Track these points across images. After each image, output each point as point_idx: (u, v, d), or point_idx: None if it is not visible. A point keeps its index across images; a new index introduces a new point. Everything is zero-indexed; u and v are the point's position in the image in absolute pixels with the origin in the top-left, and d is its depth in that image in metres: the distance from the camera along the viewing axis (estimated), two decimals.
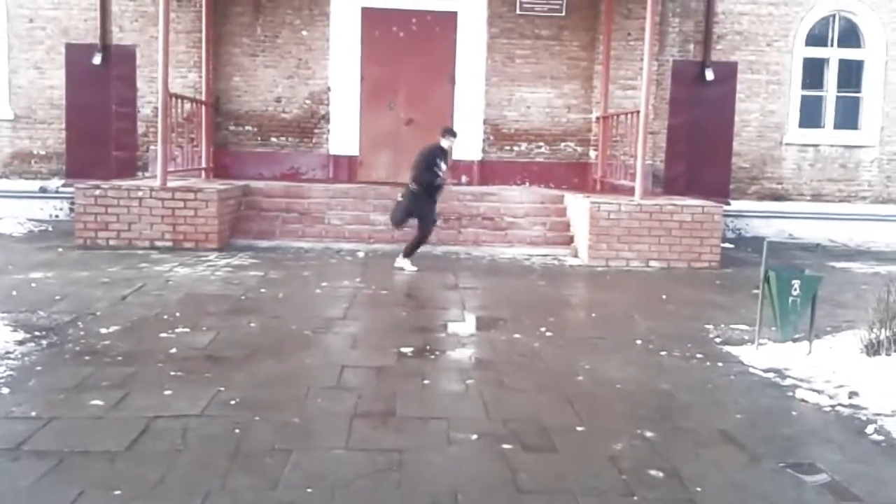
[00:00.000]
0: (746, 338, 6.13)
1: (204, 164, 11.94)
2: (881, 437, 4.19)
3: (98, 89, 12.36)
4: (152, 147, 11.70)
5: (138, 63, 12.27)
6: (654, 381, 5.10)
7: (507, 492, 3.43)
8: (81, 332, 5.75)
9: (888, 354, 5.23)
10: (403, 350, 5.58)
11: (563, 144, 12.87)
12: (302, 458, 3.69)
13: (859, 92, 13.48)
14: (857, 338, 5.47)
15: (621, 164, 11.49)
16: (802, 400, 4.77)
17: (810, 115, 13.38)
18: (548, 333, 6.27)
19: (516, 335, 6.18)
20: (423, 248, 9.22)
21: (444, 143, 9.02)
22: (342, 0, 12.46)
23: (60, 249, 9.46)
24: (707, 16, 12.82)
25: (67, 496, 3.22)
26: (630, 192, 10.25)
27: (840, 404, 4.67)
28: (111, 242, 9.60)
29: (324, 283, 8.04)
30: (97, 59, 12.30)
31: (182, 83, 11.81)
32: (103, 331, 5.81)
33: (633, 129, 10.61)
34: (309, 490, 3.36)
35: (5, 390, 4.45)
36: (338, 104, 12.64)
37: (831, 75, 13.36)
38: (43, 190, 12.48)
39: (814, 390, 4.90)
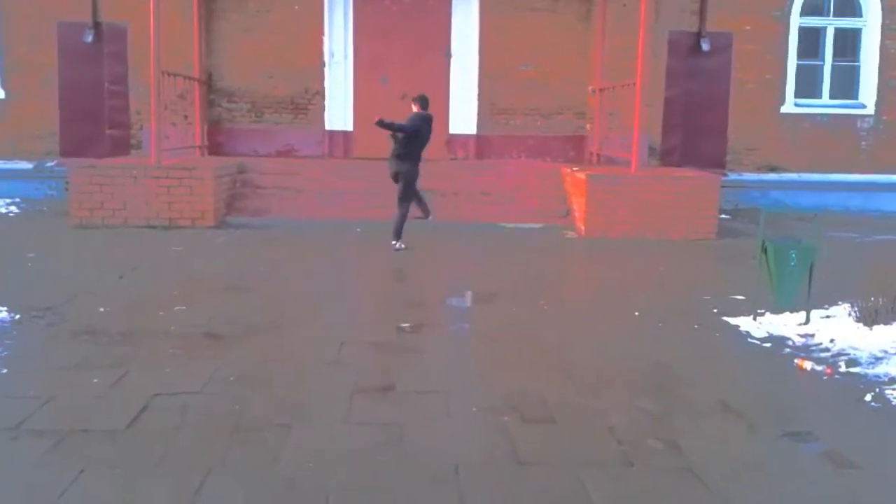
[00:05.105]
0: (744, 308, 6.12)
1: (198, 142, 11.87)
2: (879, 405, 4.21)
3: (90, 67, 12.22)
4: (146, 125, 11.63)
5: (130, 40, 12.13)
6: (653, 353, 5.11)
7: (507, 464, 3.44)
8: (79, 312, 5.74)
9: (886, 323, 5.26)
10: (402, 325, 5.58)
11: (559, 118, 12.79)
12: (302, 433, 3.69)
13: (856, 61, 13.41)
14: (854, 306, 5.50)
15: (617, 136, 11.43)
16: (801, 369, 4.79)
17: (807, 84, 13.31)
18: (545, 306, 6.27)
19: (514, 308, 6.19)
20: (423, 223, 9.20)
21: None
22: None
23: (56, 229, 9.43)
24: None
25: (68, 475, 3.22)
26: (627, 164, 10.21)
27: (838, 372, 4.69)
28: (106, 221, 9.55)
29: (321, 260, 8.02)
30: (89, 37, 12.16)
31: (174, 60, 11.64)
32: (101, 310, 5.80)
33: (628, 102, 10.54)
34: (310, 465, 3.37)
35: (4, 370, 4.45)
36: (331, 79, 12.52)
37: (828, 44, 13.28)
38: (37, 169, 12.40)
39: (812, 359, 4.92)
